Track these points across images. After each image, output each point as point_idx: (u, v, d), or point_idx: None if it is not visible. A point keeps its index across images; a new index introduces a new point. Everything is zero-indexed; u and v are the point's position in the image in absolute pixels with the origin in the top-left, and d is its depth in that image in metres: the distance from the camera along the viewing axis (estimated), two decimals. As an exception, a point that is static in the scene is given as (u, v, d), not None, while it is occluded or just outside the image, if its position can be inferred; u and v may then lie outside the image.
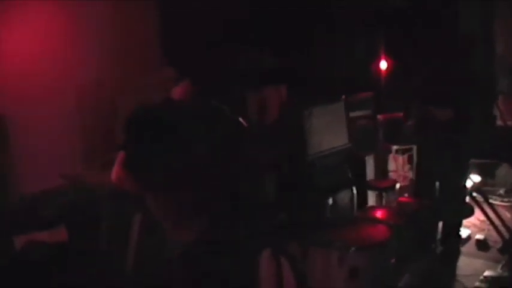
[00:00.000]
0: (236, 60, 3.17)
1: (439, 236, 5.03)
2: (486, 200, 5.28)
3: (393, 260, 4.06)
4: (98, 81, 4.35)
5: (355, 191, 4.89)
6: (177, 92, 2.91)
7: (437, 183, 5.11)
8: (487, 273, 4.64)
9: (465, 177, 5.14)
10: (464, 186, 5.17)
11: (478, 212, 5.21)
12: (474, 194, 5.40)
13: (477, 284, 4.48)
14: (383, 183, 5.24)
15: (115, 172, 2.77)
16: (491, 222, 4.98)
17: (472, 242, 5.37)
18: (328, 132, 4.75)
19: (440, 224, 5.09)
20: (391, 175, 6.07)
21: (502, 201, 6.50)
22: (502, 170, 6.72)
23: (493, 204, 5.45)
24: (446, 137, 4.76)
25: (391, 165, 6.18)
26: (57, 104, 4.27)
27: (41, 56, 4.23)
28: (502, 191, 6.71)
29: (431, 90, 4.88)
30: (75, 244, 3.55)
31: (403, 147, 6.09)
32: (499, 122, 5.75)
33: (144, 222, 2.85)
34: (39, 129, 4.15)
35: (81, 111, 4.34)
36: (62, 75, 4.29)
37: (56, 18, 4.35)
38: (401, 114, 5.54)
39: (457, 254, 5.02)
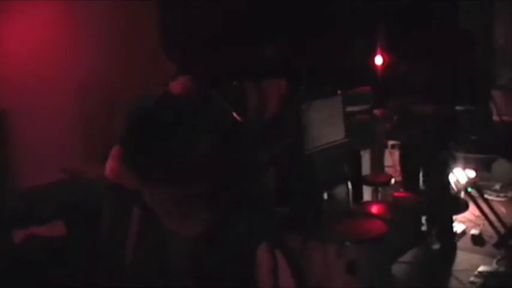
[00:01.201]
0: (236, 54, 3.17)
1: (434, 231, 5.05)
2: (481, 195, 5.30)
3: (389, 254, 4.08)
4: (97, 77, 4.34)
5: (350, 186, 4.90)
6: (175, 86, 2.91)
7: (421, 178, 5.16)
8: (482, 268, 4.65)
9: (449, 172, 5.17)
10: (449, 181, 5.20)
11: (473, 207, 5.23)
12: (469, 189, 5.42)
13: (472, 278, 4.49)
14: (379, 178, 5.25)
15: (110, 166, 2.74)
16: (487, 218, 5.00)
17: (467, 237, 5.38)
18: (325, 126, 4.75)
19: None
20: (387, 170, 6.09)
21: (498, 196, 6.51)
22: (498, 165, 6.73)
23: (489, 199, 5.47)
24: (427, 131, 4.77)
25: (387, 160, 6.20)
26: (58, 100, 4.27)
27: (42, 52, 4.23)
28: (497, 186, 6.73)
29: (413, 85, 4.89)
30: (74, 239, 3.54)
31: (399, 142, 6.10)
32: (495, 117, 5.76)
33: (143, 216, 2.85)
34: (39, 125, 4.15)
35: (81, 106, 4.34)
36: (62, 71, 4.29)
37: (57, 16, 4.35)
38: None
39: (452, 248, 5.03)
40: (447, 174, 5.13)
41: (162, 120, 2.77)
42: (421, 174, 5.21)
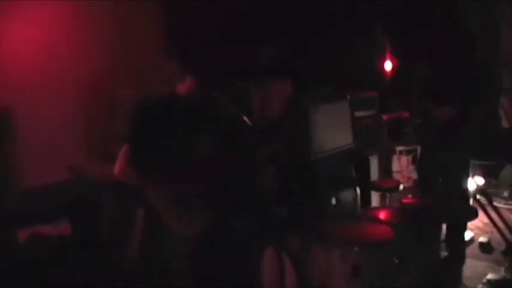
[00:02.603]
0: (239, 54, 3.17)
1: (443, 237, 5.01)
2: (490, 203, 5.26)
3: (396, 260, 4.04)
4: (99, 76, 4.35)
5: (358, 191, 4.87)
6: (182, 87, 2.91)
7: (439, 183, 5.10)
8: (490, 276, 4.61)
9: (466, 177, 5.11)
10: (466, 187, 5.14)
11: (481, 215, 5.18)
12: (478, 196, 5.38)
13: (480, 286, 4.46)
14: (387, 184, 5.22)
15: (118, 166, 2.77)
16: (495, 225, 4.96)
17: (475, 245, 5.35)
18: (332, 131, 4.73)
19: (444, 225, 5.07)
20: (395, 176, 6.06)
21: (506, 203, 6.47)
22: (506, 172, 6.69)
23: (497, 206, 5.43)
24: (447, 135, 4.73)
25: (395, 166, 6.16)
26: (60, 98, 4.27)
27: (44, 51, 4.24)
28: (506, 194, 6.68)
29: (432, 88, 4.86)
30: (78, 237, 3.54)
31: (407, 147, 6.08)
32: (504, 123, 5.73)
33: (147, 215, 2.85)
34: (42, 123, 4.15)
35: (82, 105, 4.34)
36: (64, 70, 4.29)
37: (58, 14, 4.35)
38: (405, 113, 5.51)
39: (462, 256, 4.99)
40: (465, 180, 5.09)
41: (169, 120, 2.78)
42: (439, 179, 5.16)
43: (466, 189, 5.13)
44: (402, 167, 6.11)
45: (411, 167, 6.09)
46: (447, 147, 4.75)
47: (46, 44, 4.29)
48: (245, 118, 2.98)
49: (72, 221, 3.59)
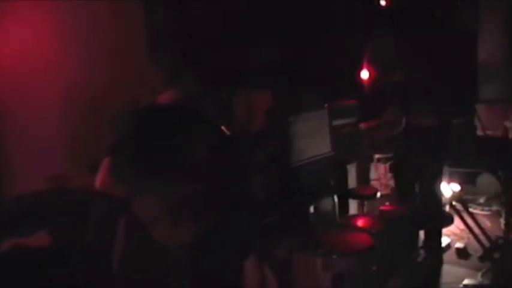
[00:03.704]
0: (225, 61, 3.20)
1: (420, 244, 5.07)
2: (466, 209, 5.34)
3: (375, 268, 4.08)
4: (85, 84, 4.33)
5: (336, 199, 4.91)
6: (164, 98, 2.93)
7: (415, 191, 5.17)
8: (467, 281, 4.68)
9: (440, 184, 5.19)
10: (441, 193, 5.22)
11: (458, 221, 5.26)
12: (454, 203, 5.46)
13: (457, 291, 4.53)
14: (365, 192, 5.27)
15: (100, 177, 2.76)
16: (471, 231, 5.04)
17: (452, 251, 5.42)
18: (311, 139, 4.77)
19: (421, 232, 5.13)
20: (373, 183, 6.12)
21: (482, 210, 6.58)
22: (483, 179, 6.79)
23: (473, 213, 5.52)
24: (427, 144, 4.80)
25: (373, 174, 6.22)
26: (44, 105, 4.22)
27: (29, 57, 4.19)
28: (482, 200, 6.79)
29: (414, 97, 4.92)
30: (60, 248, 3.51)
31: (385, 155, 6.14)
32: (479, 132, 5.82)
33: (130, 226, 2.85)
34: (26, 131, 4.10)
35: (67, 113, 4.31)
36: (50, 75, 4.25)
37: (47, 18, 4.31)
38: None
39: (439, 262, 5.05)
40: (439, 187, 5.16)
41: (150, 130, 2.78)
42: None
43: (441, 196, 5.21)
44: (380, 174, 6.17)
45: (389, 175, 6.15)
46: (426, 156, 4.81)
47: (31, 51, 4.24)
48: (224, 128, 3.01)
49: (52, 232, 3.57)
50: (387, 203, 5.39)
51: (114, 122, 2.96)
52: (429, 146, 4.80)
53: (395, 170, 5.59)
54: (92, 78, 4.35)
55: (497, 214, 6.30)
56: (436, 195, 5.07)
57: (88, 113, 4.29)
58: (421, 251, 5.01)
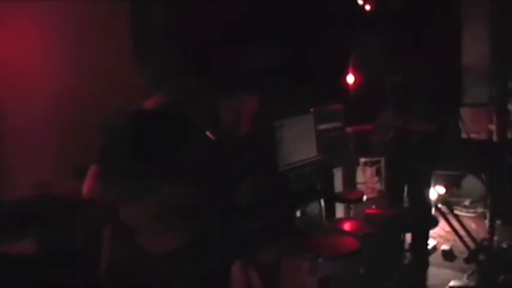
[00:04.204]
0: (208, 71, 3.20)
1: (406, 246, 5.10)
2: (451, 211, 5.38)
3: (362, 271, 4.11)
4: (72, 91, 4.31)
5: (323, 203, 4.93)
6: (150, 103, 2.93)
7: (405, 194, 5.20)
8: (452, 282, 4.72)
9: (430, 187, 5.23)
10: (429, 196, 5.26)
11: (444, 223, 5.30)
12: (440, 205, 5.50)
13: (443, 293, 4.56)
14: (351, 195, 5.30)
15: (87, 185, 2.75)
16: (457, 233, 5.08)
17: (438, 253, 5.47)
18: (297, 144, 4.79)
19: (408, 235, 5.16)
20: (360, 187, 6.14)
21: (468, 212, 6.63)
22: (468, 182, 6.85)
23: (459, 215, 5.56)
24: (420, 147, 4.83)
25: (360, 177, 6.25)
26: (30, 112, 4.20)
27: (14, 63, 4.16)
28: (467, 202, 6.85)
29: (409, 100, 4.95)
30: (45, 256, 3.50)
31: (372, 159, 6.17)
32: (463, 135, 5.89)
33: (117, 232, 2.85)
34: (13, 138, 4.08)
35: (54, 119, 4.29)
36: (36, 82, 4.23)
37: (31, 24, 4.29)
38: (371, 126, 5.59)
39: (425, 264, 5.09)
40: (428, 190, 5.20)
41: (136, 137, 2.78)
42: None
43: (429, 199, 5.25)
44: (366, 178, 6.20)
45: (375, 178, 6.19)
46: (418, 159, 4.84)
47: (12, 56, 4.22)
48: (209, 133, 3.02)
49: (38, 239, 3.56)
50: (373, 207, 5.42)
51: (100, 128, 2.95)
52: (421, 149, 4.83)
53: (386, 173, 5.61)
54: (78, 84, 4.34)
55: (482, 216, 6.36)
56: (425, 198, 5.11)
57: (74, 120, 4.28)
58: (408, 254, 5.03)
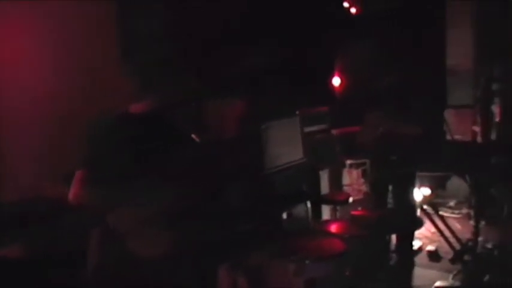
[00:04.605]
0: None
1: (392, 247, 5.12)
2: (436, 212, 5.41)
3: (348, 272, 4.13)
4: (57, 94, 4.29)
5: (309, 205, 4.95)
6: (135, 108, 2.93)
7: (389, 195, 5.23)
8: (438, 283, 4.75)
9: (414, 188, 5.26)
10: (413, 198, 5.29)
11: (429, 224, 5.34)
12: (425, 206, 5.53)
13: (429, 294, 4.59)
14: (337, 197, 5.32)
15: (73, 190, 2.75)
16: (442, 234, 5.10)
17: (423, 253, 5.50)
18: (283, 146, 4.81)
19: (393, 236, 5.19)
20: (346, 189, 6.18)
21: (453, 213, 6.68)
22: (452, 183, 6.90)
23: (444, 216, 5.60)
24: (402, 149, 4.85)
25: (346, 179, 6.28)
26: (16, 116, 4.18)
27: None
28: (452, 203, 6.90)
29: (393, 102, 4.98)
30: (33, 261, 3.49)
31: (357, 161, 6.20)
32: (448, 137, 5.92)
33: (104, 237, 2.84)
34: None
35: (41, 123, 4.27)
36: (21, 86, 4.20)
37: (16, 27, 4.26)
38: (357, 128, 5.61)
39: (411, 265, 5.12)
40: (412, 191, 5.23)
41: (122, 141, 2.78)
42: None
43: (413, 200, 5.28)
44: (352, 180, 6.24)
45: (361, 180, 6.22)
46: (401, 161, 4.87)
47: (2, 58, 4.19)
48: (195, 137, 3.03)
49: (25, 242, 3.54)
50: (360, 208, 5.44)
51: (86, 133, 2.95)
52: (405, 151, 4.85)
53: (370, 174, 5.64)
54: (63, 89, 4.33)
55: (467, 217, 6.41)
56: (410, 200, 5.14)
57: (61, 124, 4.26)
58: (393, 255, 5.06)
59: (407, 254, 5.13)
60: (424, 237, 5.79)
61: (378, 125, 4.99)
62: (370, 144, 5.10)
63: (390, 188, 5.18)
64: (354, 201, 5.29)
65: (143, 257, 2.77)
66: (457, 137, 6.18)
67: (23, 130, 4.16)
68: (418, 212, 5.64)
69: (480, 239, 5.27)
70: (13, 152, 4.07)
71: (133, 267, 2.77)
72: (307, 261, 3.68)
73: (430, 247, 5.49)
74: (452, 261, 4.99)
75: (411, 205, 5.19)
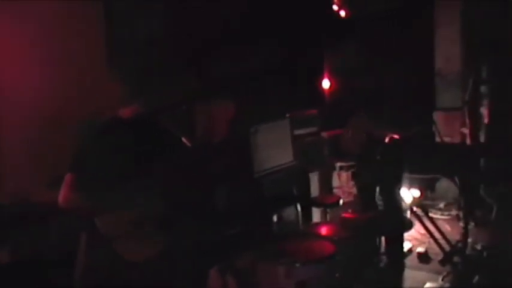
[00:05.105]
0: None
1: (382, 249, 5.14)
2: (426, 214, 5.44)
3: (338, 275, 4.13)
4: (46, 98, 4.27)
5: (299, 208, 4.95)
6: (125, 112, 2.92)
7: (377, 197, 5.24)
8: (428, 284, 4.77)
9: (400, 190, 5.28)
10: (401, 199, 5.31)
11: (419, 226, 5.36)
12: (415, 208, 5.56)
13: (419, 295, 4.60)
14: (327, 200, 5.32)
15: (62, 194, 2.74)
16: (432, 236, 5.13)
17: (413, 255, 5.51)
18: (273, 149, 4.81)
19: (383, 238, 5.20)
20: (335, 191, 6.18)
21: (442, 214, 6.70)
22: (442, 185, 6.94)
23: (433, 217, 5.63)
24: (388, 151, 4.87)
25: (336, 182, 6.29)
26: (3, 119, 4.15)
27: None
28: (441, 205, 6.93)
29: (378, 105, 4.99)
30: (22, 263, 3.47)
31: (347, 164, 6.21)
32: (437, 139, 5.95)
33: (92, 240, 2.84)
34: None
35: (29, 127, 4.25)
36: (9, 90, 4.18)
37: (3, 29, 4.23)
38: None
39: (401, 266, 5.13)
40: (399, 193, 5.24)
41: (112, 145, 2.78)
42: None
43: (402, 202, 5.30)
44: (342, 182, 6.24)
45: (351, 183, 6.22)
46: (387, 163, 4.88)
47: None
48: (185, 140, 3.03)
49: (14, 246, 3.52)
50: (350, 211, 5.45)
51: (75, 137, 2.94)
52: (390, 153, 4.87)
53: (357, 177, 5.65)
54: (52, 93, 4.31)
55: (456, 218, 6.44)
56: (397, 201, 5.15)
57: (49, 128, 4.24)
58: (383, 257, 5.07)
59: (397, 255, 5.15)
60: (413, 239, 5.81)
61: (361, 128, 5.01)
62: (355, 147, 5.12)
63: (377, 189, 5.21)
64: (344, 203, 5.28)
65: (132, 260, 2.77)
66: (446, 139, 6.22)
67: (11, 134, 4.13)
68: (408, 214, 5.67)
69: (469, 240, 5.31)
70: (0, 157, 4.04)
71: (123, 270, 2.77)
72: (297, 264, 3.69)
73: (420, 249, 5.51)
74: (442, 262, 5.02)
75: (400, 207, 5.21)
